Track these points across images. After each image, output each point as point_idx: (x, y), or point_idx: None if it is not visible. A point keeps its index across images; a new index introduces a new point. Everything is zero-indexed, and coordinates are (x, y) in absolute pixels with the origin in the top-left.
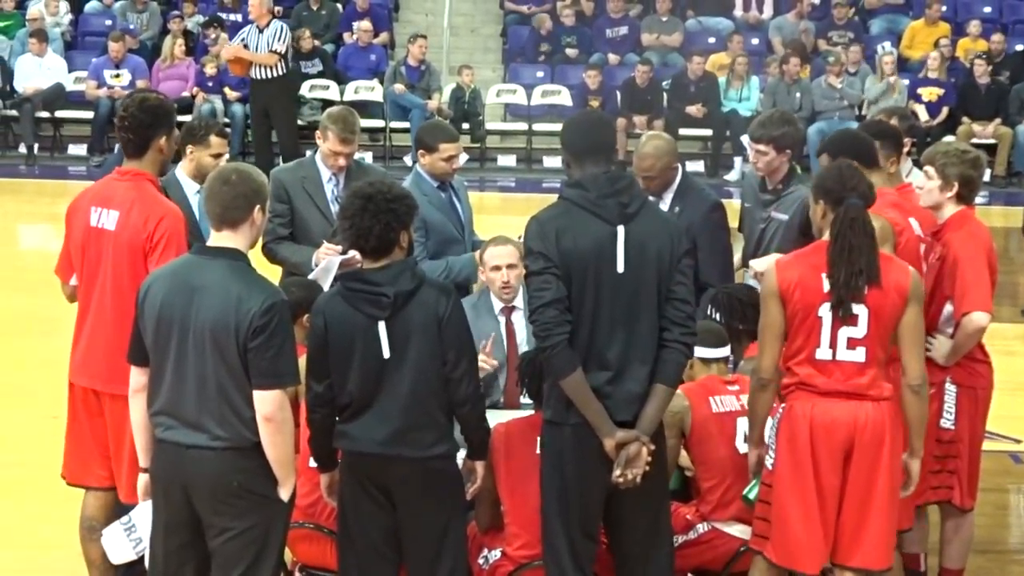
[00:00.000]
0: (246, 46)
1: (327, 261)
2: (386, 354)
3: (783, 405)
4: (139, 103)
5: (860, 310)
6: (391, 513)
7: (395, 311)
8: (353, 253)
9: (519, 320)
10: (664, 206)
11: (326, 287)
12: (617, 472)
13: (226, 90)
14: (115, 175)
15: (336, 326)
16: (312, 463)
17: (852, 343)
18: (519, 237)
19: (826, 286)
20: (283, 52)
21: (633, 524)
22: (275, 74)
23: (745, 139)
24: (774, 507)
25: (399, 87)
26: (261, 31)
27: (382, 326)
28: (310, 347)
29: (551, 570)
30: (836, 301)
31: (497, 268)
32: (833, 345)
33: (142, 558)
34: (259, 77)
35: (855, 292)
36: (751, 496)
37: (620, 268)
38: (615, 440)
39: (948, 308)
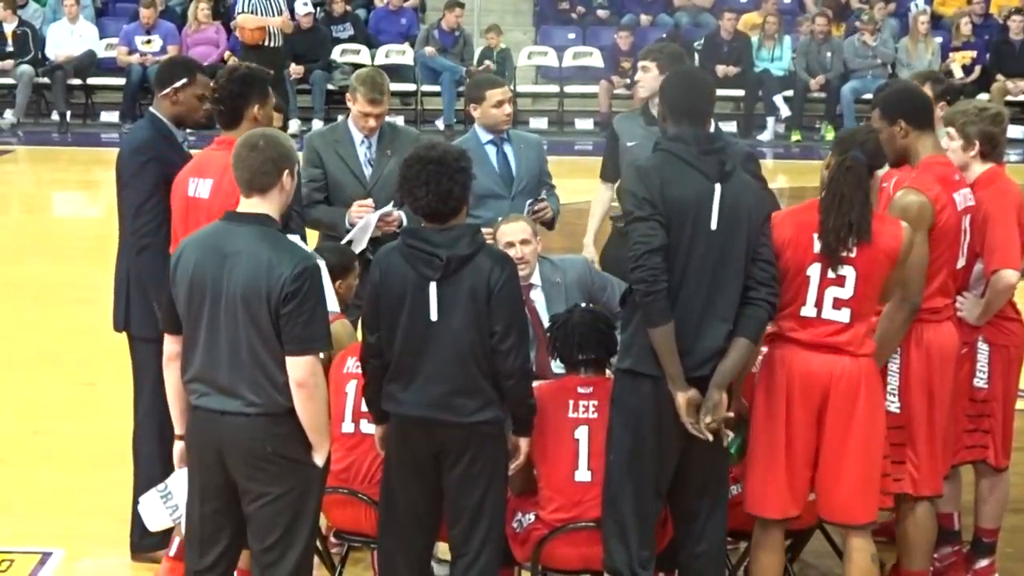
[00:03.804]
0: (254, 12)
1: (364, 220)
2: (433, 316)
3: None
4: (229, 73)
5: (848, 271)
6: (435, 478)
7: (447, 274)
8: (390, 208)
9: (538, 297)
10: None
11: (360, 248)
12: (704, 420)
13: None
14: (213, 145)
15: (389, 280)
16: (345, 428)
17: (838, 303)
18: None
19: (816, 246)
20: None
21: (700, 481)
22: (281, 41)
23: (777, 98)
24: (748, 453)
25: (429, 50)
26: None
27: (433, 287)
28: (366, 298)
29: (609, 527)
30: (825, 248)
31: (511, 244)
32: (819, 304)
33: (179, 524)
34: (271, 45)
35: (843, 242)
36: (732, 450)
37: (713, 225)
38: (688, 395)
39: (978, 267)
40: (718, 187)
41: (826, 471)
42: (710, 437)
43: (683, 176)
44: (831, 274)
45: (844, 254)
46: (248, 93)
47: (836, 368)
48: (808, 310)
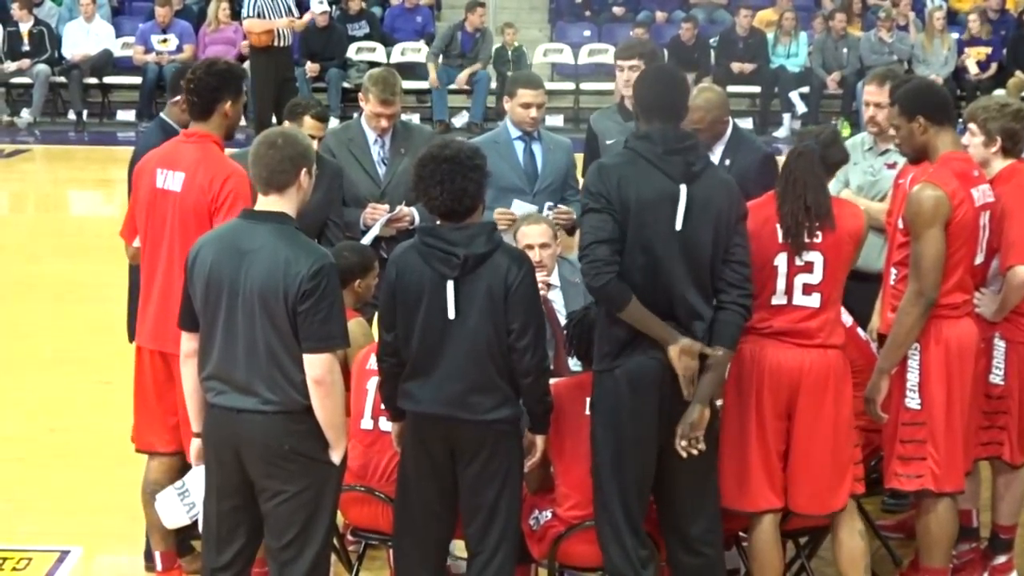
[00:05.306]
0: (260, 15)
1: (377, 223)
2: (451, 314)
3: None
4: (207, 67)
5: (816, 257)
6: (450, 474)
7: (464, 272)
8: (400, 208)
9: (557, 298)
10: (715, 159)
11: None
12: (682, 443)
13: None
14: (181, 137)
15: (406, 279)
16: (364, 424)
17: (808, 289)
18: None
19: (780, 236)
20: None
21: (683, 483)
22: (291, 40)
23: (793, 95)
24: (722, 446)
25: (432, 80)
26: None
27: (450, 285)
28: (381, 296)
29: (604, 531)
30: (787, 235)
31: (529, 247)
32: (789, 292)
33: (196, 522)
34: (279, 45)
35: (803, 225)
36: None
37: (678, 226)
38: (680, 346)
39: (995, 263)
40: (683, 188)
41: (797, 465)
42: (695, 452)
43: (644, 176)
44: (798, 261)
45: (808, 240)
46: (223, 88)
47: (805, 362)
48: (779, 298)
